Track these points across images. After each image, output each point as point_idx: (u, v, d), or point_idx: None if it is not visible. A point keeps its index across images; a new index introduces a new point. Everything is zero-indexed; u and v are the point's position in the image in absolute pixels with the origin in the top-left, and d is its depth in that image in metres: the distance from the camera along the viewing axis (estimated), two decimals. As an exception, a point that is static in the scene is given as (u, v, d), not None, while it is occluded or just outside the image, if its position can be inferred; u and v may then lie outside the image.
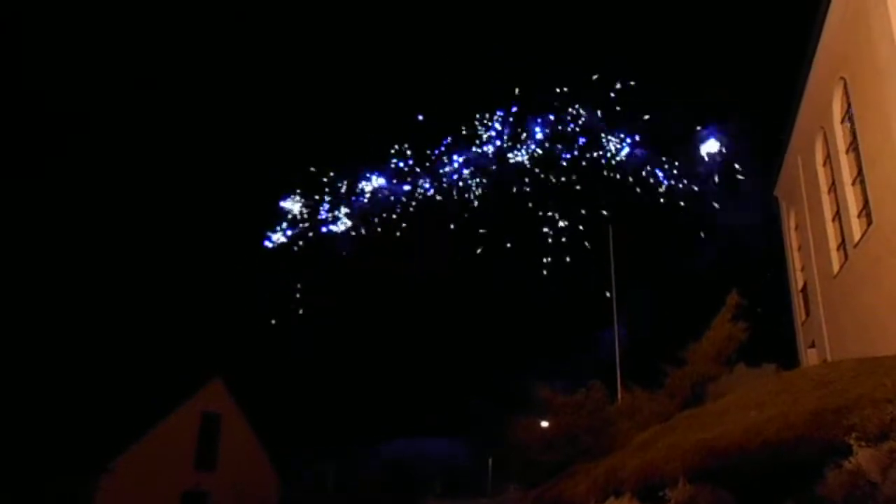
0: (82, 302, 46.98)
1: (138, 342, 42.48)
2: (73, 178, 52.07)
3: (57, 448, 28.70)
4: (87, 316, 45.03)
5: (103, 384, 33.06)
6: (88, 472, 27.24)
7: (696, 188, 52.69)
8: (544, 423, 23.47)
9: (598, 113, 54.70)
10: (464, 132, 55.50)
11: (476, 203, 57.00)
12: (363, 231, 60.49)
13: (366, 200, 59.91)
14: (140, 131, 65.69)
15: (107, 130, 62.55)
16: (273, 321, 57.81)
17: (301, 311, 57.84)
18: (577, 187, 57.47)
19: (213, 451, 31.47)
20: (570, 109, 54.51)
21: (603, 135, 55.72)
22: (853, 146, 16.22)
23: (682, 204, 53.08)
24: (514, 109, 55.07)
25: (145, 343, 42.28)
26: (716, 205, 49.59)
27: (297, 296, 59.51)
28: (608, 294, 28.52)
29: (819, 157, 19.28)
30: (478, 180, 56.23)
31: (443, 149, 55.99)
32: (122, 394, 31.71)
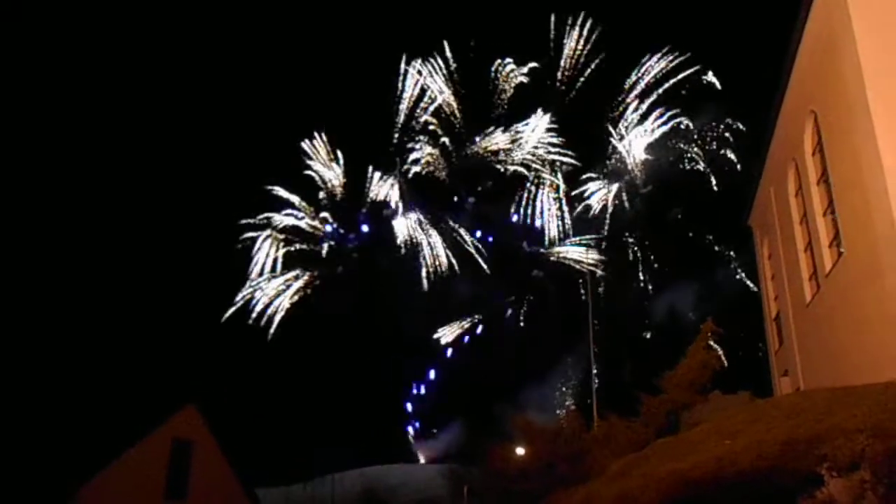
0: (50, 324, 46.14)
1: (108, 365, 41.69)
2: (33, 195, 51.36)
3: (20, 475, 27.89)
4: (55, 338, 44.21)
5: (69, 409, 32.29)
6: (52, 501, 26.46)
7: None
8: (520, 451, 23.27)
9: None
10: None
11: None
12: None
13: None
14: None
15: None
16: (248, 347, 57.41)
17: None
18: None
19: (185, 479, 30.67)
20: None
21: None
22: (824, 178, 16.50)
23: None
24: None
25: (115, 366, 41.50)
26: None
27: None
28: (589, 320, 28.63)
29: (791, 187, 19.58)
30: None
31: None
32: (89, 419, 30.94)
